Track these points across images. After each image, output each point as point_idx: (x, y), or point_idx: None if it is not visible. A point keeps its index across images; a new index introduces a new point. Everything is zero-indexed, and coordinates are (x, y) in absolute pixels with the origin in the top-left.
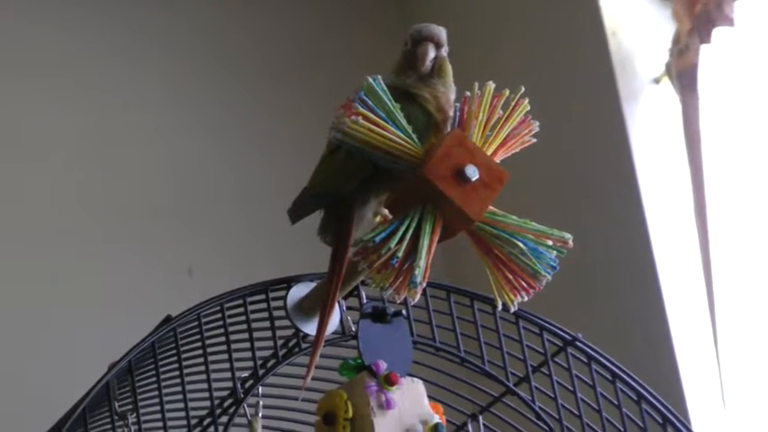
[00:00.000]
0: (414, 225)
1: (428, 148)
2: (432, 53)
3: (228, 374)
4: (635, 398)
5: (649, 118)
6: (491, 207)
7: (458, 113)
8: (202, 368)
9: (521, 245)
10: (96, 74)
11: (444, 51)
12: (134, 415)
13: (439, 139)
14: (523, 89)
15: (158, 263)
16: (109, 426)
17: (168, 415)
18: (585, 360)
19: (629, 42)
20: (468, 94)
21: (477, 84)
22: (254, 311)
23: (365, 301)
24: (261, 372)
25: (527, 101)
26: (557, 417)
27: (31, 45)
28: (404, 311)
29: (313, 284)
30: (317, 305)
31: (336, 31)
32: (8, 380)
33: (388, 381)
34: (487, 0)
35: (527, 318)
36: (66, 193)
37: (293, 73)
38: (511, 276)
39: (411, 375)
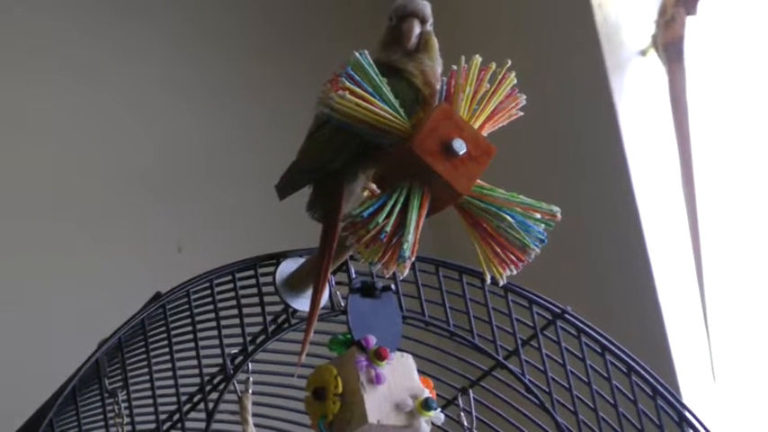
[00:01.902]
0: (402, 199)
1: (415, 123)
2: (417, 29)
3: (218, 351)
4: (625, 370)
5: (636, 90)
6: (479, 181)
7: (445, 87)
8: (192, 345)
9: (509, 218)
10: (84, 51)
11: (429, 26)
12: (124, 392)
13: (426, 113)
14: (510, 62)
15: (147, 239)
16: (99, 403)
17: (158, 392)
18: (575, 333)
19: (616, 14)
20: (454, 67)
21: (463, 57)
22: (243, 287)
23: (354, 276)
24: (250, 348)
25: (513, 74)
26: (546, 390)
27: (19, 22)
28: (393, 286)
29: (302, 260)
30: (306, 281)
31: (322, 9)
32: None
33: (378, 355)
34: None
35: (516, 291)
36: (55, 172)
37: (281, 50)
38: (499, 250)
39: (401, 350)
